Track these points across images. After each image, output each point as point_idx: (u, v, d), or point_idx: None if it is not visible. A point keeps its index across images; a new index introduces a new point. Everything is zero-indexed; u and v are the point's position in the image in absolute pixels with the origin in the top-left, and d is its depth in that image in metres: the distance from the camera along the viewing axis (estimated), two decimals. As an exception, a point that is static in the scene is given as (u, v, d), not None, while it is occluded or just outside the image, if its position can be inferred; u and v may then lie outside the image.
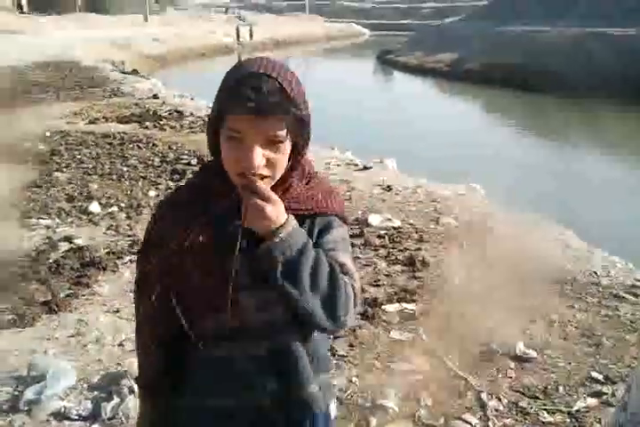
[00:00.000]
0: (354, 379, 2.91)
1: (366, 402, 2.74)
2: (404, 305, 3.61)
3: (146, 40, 27.56)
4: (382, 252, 4.38)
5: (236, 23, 43.68)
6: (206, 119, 1.29)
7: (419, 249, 4.42)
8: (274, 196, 1.15)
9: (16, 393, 2.73)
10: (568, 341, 3.27)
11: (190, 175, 1.40)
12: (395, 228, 4.82)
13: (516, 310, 3.59)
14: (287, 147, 1.19)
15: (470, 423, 2.60)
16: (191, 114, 9.71)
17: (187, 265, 1.23)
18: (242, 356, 1.26)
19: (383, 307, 3.58)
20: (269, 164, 1.17)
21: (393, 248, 4.43)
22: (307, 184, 1.29)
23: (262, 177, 1.17)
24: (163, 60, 26.52)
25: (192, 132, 8.45)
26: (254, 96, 1.11)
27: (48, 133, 8.23)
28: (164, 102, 11.00)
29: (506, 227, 4.88)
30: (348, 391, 2.81)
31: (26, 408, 2.63)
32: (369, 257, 4.30)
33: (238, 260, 1.17)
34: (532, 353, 3.11)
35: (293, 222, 1.18)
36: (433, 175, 6.73)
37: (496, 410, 2.70)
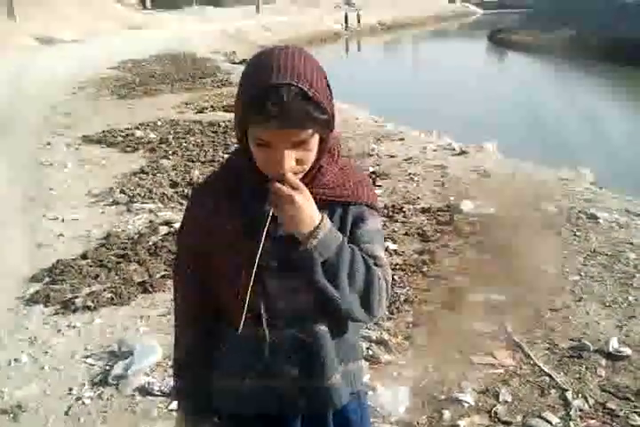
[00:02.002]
0: (430, 369, 2.85)
1: (441, 394, 2.67)
2: (491, 295, 3.48)
3: (257, 30, 28.26)
4: (472, 240, 4.23)
5: (345, 9, 43.62)
6: (236, 124, 1.26)
7: (512, 238, 4.22)
8: (306, 202, 1.14)
9: (107, 368, 2.93)
10: (670, 340, 3.00)
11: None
12: (488, 215, 4.63)
13: (615, 304, 3.35)
14: (315, 141, 1.17)
15: (550, 422, 2.46)
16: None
17: (215, 251, 1.25)
18: (267, 341, 1.26)
19: (468, 296, 3.47)
20: (299, 162, 1.17)
21: (484, 236, 4.27)
22: (340, 170, 1.27)
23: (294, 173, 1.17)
24: (273, 49, 27.03)
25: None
26: (278, 112, 1.07)
27: (159, 123, 8.66)
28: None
29: (611, 215, 4.55)
30: (423, 382, 2.75)
31: (114, 382, 2.81)
32: (458, 244, 4.17)
33: (262, 247, 1.17)
34: (627, 351, 2.89)
35: (328, 223, 1.17)
36: (539, 161, 6.41)
37: (580, 410, 2.53)
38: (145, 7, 43.09)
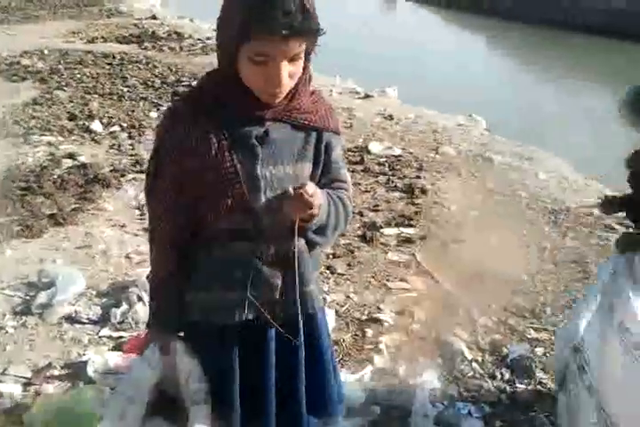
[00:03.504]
0: (351, 295, 3.05)
1: (362, 316, 2.88)
2: (402, 229, 3.71)
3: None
4: (382, 179, 4.44)
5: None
6: (212, 38, 1.26)
7: (418, 177, 4.48)
8: (317, 201, 1.26)
9: (27, 298, 2.86)
10: (558, 267, 3.39)
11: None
12: (395, 156, 4.86)
13: (511, 236, 3.70)
14: (303, 56, 1.23)
15: (460, 337, 2.74)
16: (190, 36, 9.49)
17: (203, 169, 1.27)
18: (253, 255, 1.34)
19: (381, 230, 3.68)
20: (291, 76, 1.22)
21: (392, 175, 4.49)
22: (311, 95, 1.35)
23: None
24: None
25: (192, 54, 8.31)
26: (283, 20, 1.11)
27: (46, 51, 8.08)
28: (162, 23, 10.74)
29: (504, 158, 4.93)
30: (345, 306, 2.95)
31: (38, 311, 2.75)
32: (369, 183, 4.36)
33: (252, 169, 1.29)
34: (524, 276, 3.24)
35: (324, 202, 1.31)
36: (435, 106, 6.70)
37: (486, 326, 2.84)
38: None
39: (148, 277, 1.48)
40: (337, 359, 2.54)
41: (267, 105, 1.27)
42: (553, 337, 2.77)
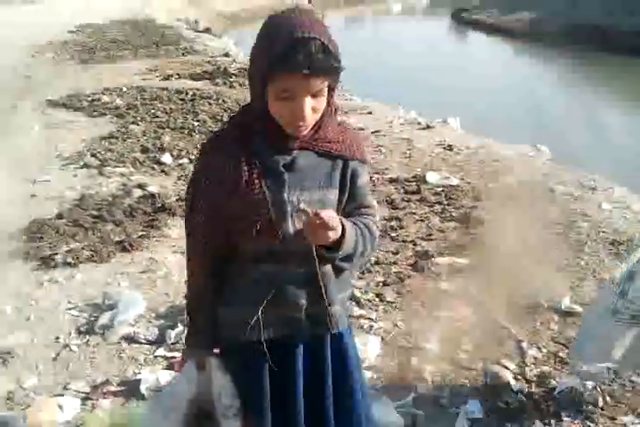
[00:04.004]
0: (399, 323, 3.07)
1: (408, 344, 2.90)
2: (455, 259, 3.71)
3: (220, -2, 27.72)
4: (437, 208, 4.46)
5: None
6: (250, 74, 1.40)
7: (474, 207, 4.47)
8: (336, 223, 1.33)
9: (92, 319, 3.05)
10: (616, 299, 3.29)
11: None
12: (452, 186, 4.87)
13: (568, 267, 3.63)
14: (325, 92, 1.34)
15: (508, 368, 2.71)
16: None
17: (235, 195, 1.38)
18: (281, 276, 1.43)
19: (433, 260, 3.70)
20: (314, 111, 1.34)
21: (448, 205, 4.50)
22: (338, 125, 1.47)
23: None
24: (235, 19, 26.68)
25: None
26: (304, 60, 1.23)
27: (125, 89, 8.58)
28: (234, 60, 11.20)
29: (566, 187, 4.85)
30: (392, 333, 2.98)
31: (100, 332, 2.94)
32: (424, 212, 4.39)
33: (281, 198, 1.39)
34: (578, 308, 3.17)
35: (348, 231, 1.38)
36: (498, 136, 6.67)
37: (534, 358, 2.80)
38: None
39: (185, 298, 1.59)
40: (379, 386, 2.58)
41: (295, 136, 1.38)
42: (606, 371, 2.70)
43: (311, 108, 1.32)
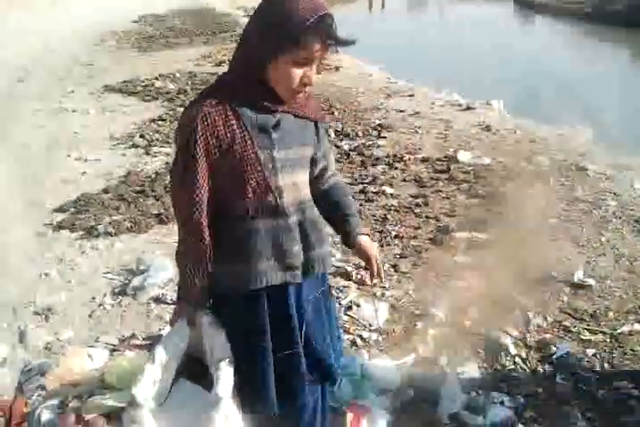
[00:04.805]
0: (410, 292, 3.21)
1: (417, 310, 3.03)
2: (475, 233, 3.80)
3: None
4: (464, 186, 4.53)
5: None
6: (253, 45, 1.54)
7: (502, 185, 4.51)
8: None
9: (126, 282, 3.32)
10: (632, 273, 3.32)
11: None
12: (483, 165, 4.91)
13: (588, 244, 3.66)
14: None
15: (510, 335, 2.81)
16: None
17: (229, 154, 1.50)
18: (276, 227, 1.57)
19: (453, 234, 3.79)
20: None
21: (476, 183, 4.56)
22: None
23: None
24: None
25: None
26: (333, 33, 1.43)
27: (178, 74, 8.92)
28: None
29: (600, 167, 4.81)
30: (402, 300, 3.11)
31: (132, 293, 3.20)
32: (450, 190, 4.47)
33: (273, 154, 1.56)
34: (591, 281, 3.21)
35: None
36: (545, 120, 6.59)
37: (538, 326, 2.88)
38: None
39: (176, 254, 1.67)
40: (383, 347, 2.74)
41: (278, 100, 1.53)
42: (608, 340, 2.76)
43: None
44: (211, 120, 1.49)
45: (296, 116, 1.59)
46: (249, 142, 1.51)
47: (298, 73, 1.46)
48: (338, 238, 1.84)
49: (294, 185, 1.58)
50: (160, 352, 1.70)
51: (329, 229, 1.75)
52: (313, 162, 1.67)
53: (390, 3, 35.37)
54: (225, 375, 1.63)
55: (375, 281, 1.68)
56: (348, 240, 1.76)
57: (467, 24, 22.12)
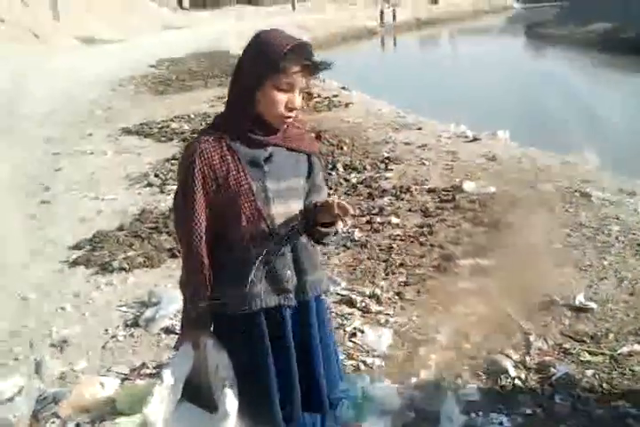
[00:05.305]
0: (414, 318, 3.27)
1: (419, 336, 3.09)
2: (478, 260, 3.87)
3: (290, 28, 28.69)
4: (469, 215, 4.62)
5: (380, 6, 43.64)
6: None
7: (506, 212, 4.59)
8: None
9: (138, 314, 3.44)
10: (634, 296, 3.35)
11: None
12: (488, 194, 5.00)
13: (590, 268, 3.70)
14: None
15: (511, 358, 2.85)
16: (319, 95, 10.32)
17: (225, 186, 1.66)
18: (269, 254, 1.70)
19: (457, 261, 3.86)
20: (300, 106, 1.68)
21: (481, 212, 4.65)
22: (298, 128, 1.78)
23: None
24: (307, 46, 27.53)
25: (317, 110, 9.08)
26: (310, 59, 1.61)
27: (192, 115, 9.22)
28: (297, 84, 11.72)
29: (604, 193, 4.87)
30: (406, 327, 3.18)
31: (144, 324, 3.31)
32: (455, 219, 4.56)
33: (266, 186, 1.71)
34: (592, 305, 3.25)
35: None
36: (550, 146, 6.69)
37: (539, 349, 2.92)
38: (182, 7, 44.05)
39: (180, 282, 1.81)
40: (385, 371, 2.80)
41: (272, 133, 1.68)
42: (608, 361, 2.80)
43: (300, 102, 1.66)
44: (207, 156, 1.65)
45: (289, 149, 1.73)
46: (242, 174, 1.66)
47: (282, 98, 1.61)
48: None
49: (287, 214, 1.71)
50: (168, 375, 1.82)
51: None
52: (306, 192, 1.78)
53: (403, 38, 36.16)
54: (230, 394, 1.74)
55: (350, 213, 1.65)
56: (308, 214, 1.75)
57: (477, 57, 22.54)
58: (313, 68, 1.62)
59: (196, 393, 1.84)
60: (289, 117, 1.66)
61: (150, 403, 1.78)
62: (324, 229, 1.71)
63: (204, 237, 1.69)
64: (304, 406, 1.83)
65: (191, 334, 1.78)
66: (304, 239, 1.77)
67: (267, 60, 1.59)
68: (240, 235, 1.69)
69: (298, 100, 1.64)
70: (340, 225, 1.73)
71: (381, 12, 39.62)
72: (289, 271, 1.73)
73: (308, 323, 1.80)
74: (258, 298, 1.71)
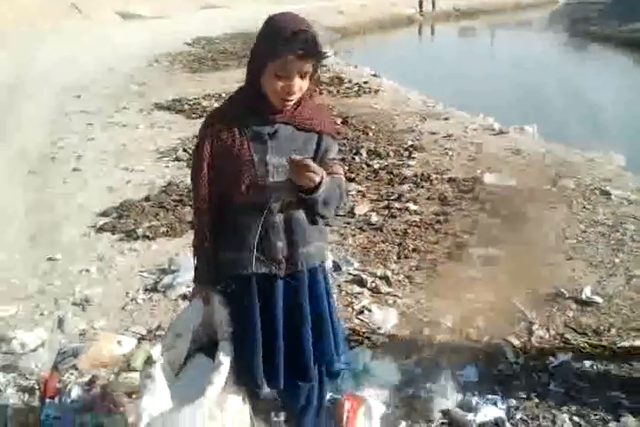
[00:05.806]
0: (422, 301, 3.37)
1: (425, 318, 3.20)
2: (491, 250, 3.94)
3: (329, 13, 28.54)
4: (487, 206, 4.67)
5: (421, -7, 42.99)
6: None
7: (525, 206, 4.63)
8: (318, 168, 1.67)
9: (158, 280, 3.59)
10: (641, 294, 3.41)
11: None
12: (508, 186, 5.05)
13: (601, 264, 3.75)
14: (308, 77, 1.74)
15: (512, 344, 2.94)
16: (349, 81, 10.35)
17: (229, 156, 1.77)
18: (264, 224, 1.81)
19: (470, 250, 3.94)
20: (300, 90, 1.74)
21: (499, 204, 4.70)
22: (316, 106, 1.87)
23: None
24: (343, 32, 27.42)
25: (346, 96, 9.13)
26: (305, 47, 1.66)
27: (223, 94, 9.33)
28: (328, 69, 11.74)
29: (624, 192, 4.88)
30: (413, 308, 3.28)
31: (162, 290, 3.47)
32: (473, 209, 4.62)
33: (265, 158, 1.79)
34: (598, 299, 3.32)
35: (326, 177, 1.71)
36: (578, 144, 6.66)
37: (540, 337, 3.00)
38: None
39: (192, 244, 1.95)
40: (388, 349, 2.91)
41: (278, 111, 1.78)
42: (606, 353, 2.86)
43: (298, 87, 1.72)
44: (217, 129, 1.79)
45: (300, 128, 1.82)
46: (245, 147, 1.78)
47: (279, 84, 1.69)
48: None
49: (281, 187, 1.77)
50: (177, 323, 2.01)
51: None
52: None
53: (441, 28, 35.71)
54: (226, 346, 1.90)
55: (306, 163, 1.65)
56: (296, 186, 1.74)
57: (515, 51, 22.23)
58: (308, 56, 1.67)
59: (203, 342, 2.00)
60: (288, 101, 1.73)
61: (158, 349, 1.97)
62: (301, 194, 1.72)
63: (206, 201, 1.83)
64: (293, 374, 1.94)
65: (201, 289, 1.98)
66: (301, 214, 1.84)
67: (268, 47, 1.67)
68: (238, 202, 1.81)
69: (295, 84, 1.69)
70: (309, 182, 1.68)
71: (420, 1, 39.11)
72: (280, 242, 1.83)
73: (298, 294, 1.91)
74: (249, 264, 1.84)
